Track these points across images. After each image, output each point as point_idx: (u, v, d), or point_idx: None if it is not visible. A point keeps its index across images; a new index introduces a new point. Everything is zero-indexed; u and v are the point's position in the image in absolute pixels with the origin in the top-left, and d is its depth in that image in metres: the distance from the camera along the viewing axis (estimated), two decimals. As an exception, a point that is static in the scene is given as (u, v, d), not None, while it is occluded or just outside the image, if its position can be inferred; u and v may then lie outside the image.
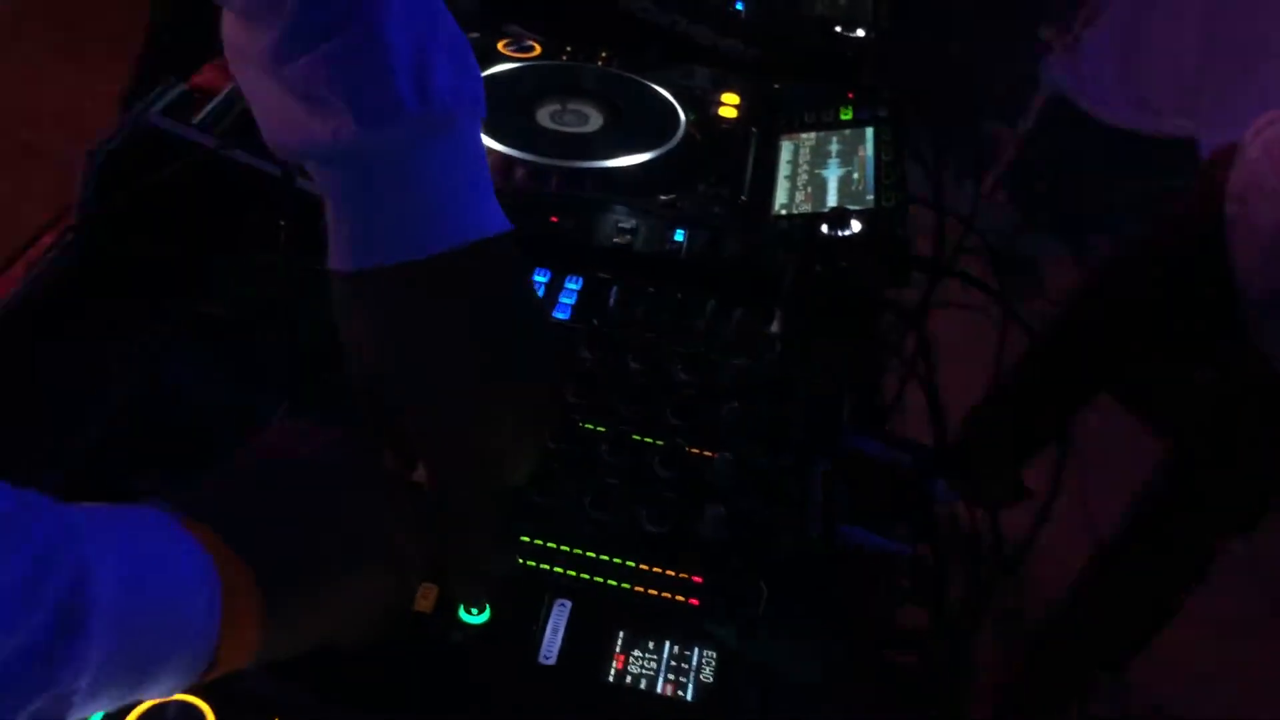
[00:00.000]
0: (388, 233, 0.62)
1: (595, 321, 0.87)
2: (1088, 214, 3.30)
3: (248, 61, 0.62)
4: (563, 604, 0.69)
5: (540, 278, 0.92)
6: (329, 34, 0.58)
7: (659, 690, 0.65)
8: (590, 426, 0.80)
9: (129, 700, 0.51)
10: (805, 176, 1.06)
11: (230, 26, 0.63)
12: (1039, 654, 2.10)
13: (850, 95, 1.17)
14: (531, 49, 1.19)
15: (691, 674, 0.66)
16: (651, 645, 0.68)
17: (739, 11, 1.29)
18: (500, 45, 1.19)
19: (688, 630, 0.68)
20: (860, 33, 1.30)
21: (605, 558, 0.72)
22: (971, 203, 1.33)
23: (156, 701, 0.62)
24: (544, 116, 1.08)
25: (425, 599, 0.68)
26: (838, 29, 1.31)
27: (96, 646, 0.46)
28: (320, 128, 0.60)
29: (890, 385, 1.10)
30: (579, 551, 0.72)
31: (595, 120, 1.09)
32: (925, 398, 1.03)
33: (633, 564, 0.72)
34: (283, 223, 0.92)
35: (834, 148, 1.09)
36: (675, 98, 1.13)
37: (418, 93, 0.59)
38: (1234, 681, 2.38)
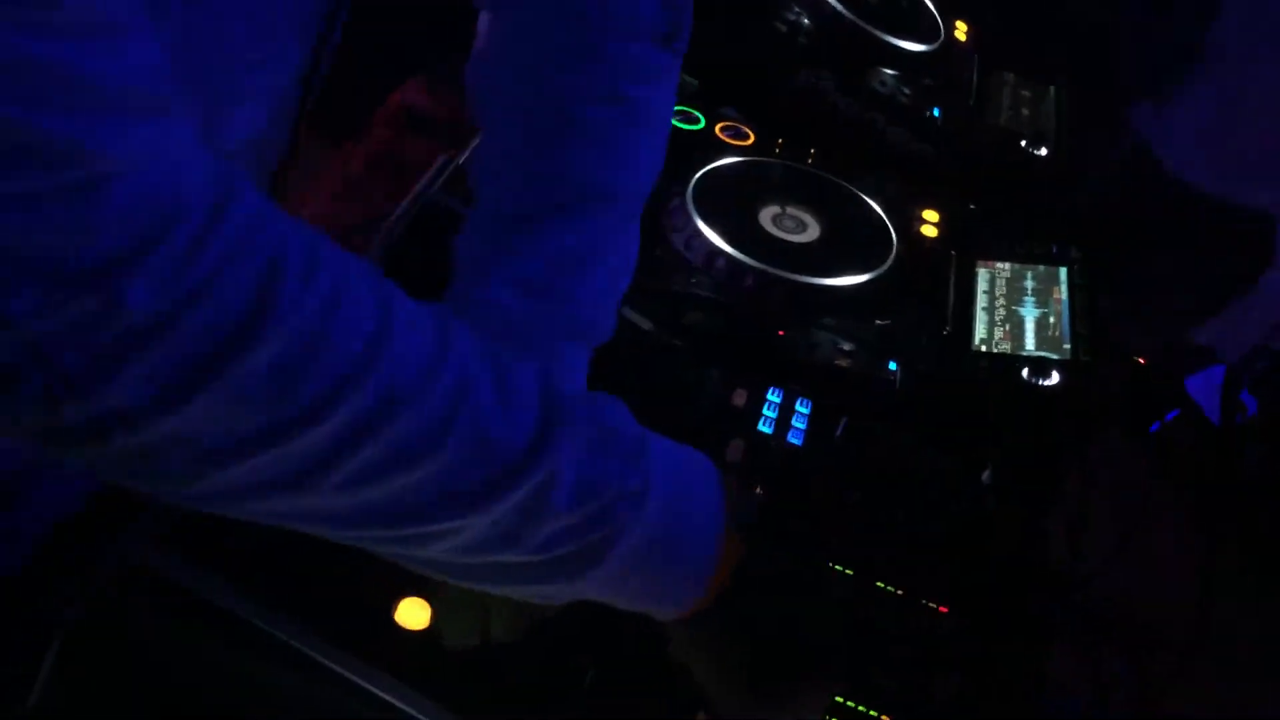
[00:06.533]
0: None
1: (828, 461, 0.94)
2: (1154, 281, 3.35)
3: None
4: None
5: (774, 397, 0.98)
6: None
7: None
8: (839, 569, 0.87)
9: (651, 598, 0.65)
10: (1003, 312, 1.12)
11: None
12: None
13: (1041, 229, 1.23)
14: (746, 136, 1.24)
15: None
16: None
17: (935, 118, 1.34)
18: (717, 129, 1.24)
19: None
20: (1043, 151, 1.36)
21: (852, 704, 0.80)
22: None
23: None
24: (766, 219, 1.13)
25: None
26: (1023, 143, 1.37)
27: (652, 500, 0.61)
28: None
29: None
30: (839, 699, 0.80)
31: (813, 229, 1.14)
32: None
33: (875, 714, 0.80)
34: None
35: (1029, 284, 1.15)
36: (884, 211, 1.18)
37: None
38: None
